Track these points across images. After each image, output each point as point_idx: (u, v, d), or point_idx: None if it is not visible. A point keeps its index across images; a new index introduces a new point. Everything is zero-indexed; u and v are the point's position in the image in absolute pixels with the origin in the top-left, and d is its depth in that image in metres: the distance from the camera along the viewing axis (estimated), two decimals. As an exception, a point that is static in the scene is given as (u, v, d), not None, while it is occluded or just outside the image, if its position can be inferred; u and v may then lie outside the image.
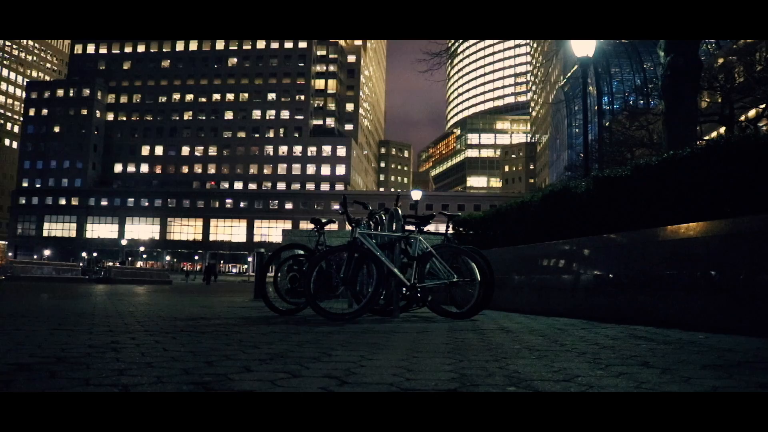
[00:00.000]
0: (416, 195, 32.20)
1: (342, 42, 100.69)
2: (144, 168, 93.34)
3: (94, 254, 77.96)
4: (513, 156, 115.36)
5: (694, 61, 8.86)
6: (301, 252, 5.91)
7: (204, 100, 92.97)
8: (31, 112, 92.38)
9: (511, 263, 7.32)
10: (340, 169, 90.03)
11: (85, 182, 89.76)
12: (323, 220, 6.18)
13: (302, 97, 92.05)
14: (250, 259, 74.90)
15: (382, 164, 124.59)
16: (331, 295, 6.13)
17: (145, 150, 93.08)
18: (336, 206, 79.11)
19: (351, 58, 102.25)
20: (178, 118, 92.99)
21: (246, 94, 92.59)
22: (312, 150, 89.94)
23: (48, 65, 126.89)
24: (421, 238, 5.46)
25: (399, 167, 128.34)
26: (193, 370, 2.14)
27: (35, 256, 73.08)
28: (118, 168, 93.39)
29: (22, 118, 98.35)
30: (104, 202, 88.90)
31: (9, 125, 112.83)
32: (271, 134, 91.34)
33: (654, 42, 13.10)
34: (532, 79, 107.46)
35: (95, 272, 37.97)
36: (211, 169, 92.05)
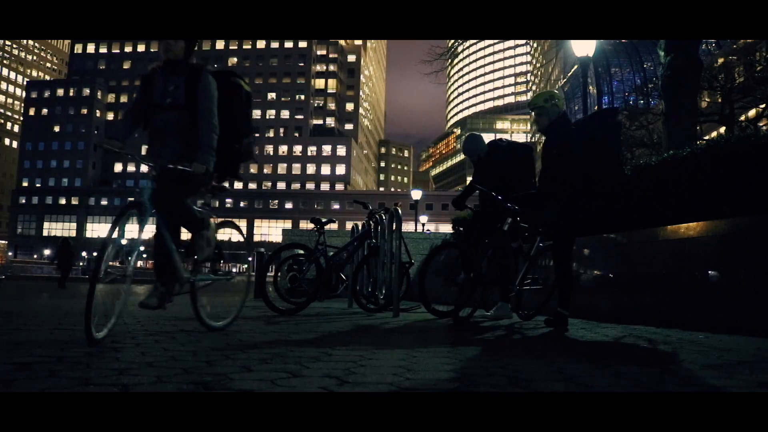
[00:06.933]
0: (416, 195, 32.22)
1: (342, 42, 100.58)
2: (144, 168, 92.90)
3: (94, 254, 77.81)
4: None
5: (694, 61, 8.85)
6: (301, 252, 5.90)
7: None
8: (31, 112, 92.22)
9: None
10: (340, 169, 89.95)
11: (85, 182, 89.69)
12: (323, 220, 6.19)
13: (302, 97, 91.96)
14: (249, 258, 74.72)
15: (382, 164, 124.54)
16: (331, 294, 6.15)
17: (145, 150, 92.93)
18: (336, 206, 79.12)
19: (351, 58, 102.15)
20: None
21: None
22: (312, 150, 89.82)
23: (48, 65, 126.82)
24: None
25: (399, 167, 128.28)
26: (193, 370, 2.14)
27: (35, 256, 73.01)
28: (118, 168, 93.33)
29: (22, 118, 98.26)
30: (104, 202, 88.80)
31: (9, 125, 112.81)
32: (271, 134, 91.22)
33: (654, 42, 13.08)
34: (532, 79, 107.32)
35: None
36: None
